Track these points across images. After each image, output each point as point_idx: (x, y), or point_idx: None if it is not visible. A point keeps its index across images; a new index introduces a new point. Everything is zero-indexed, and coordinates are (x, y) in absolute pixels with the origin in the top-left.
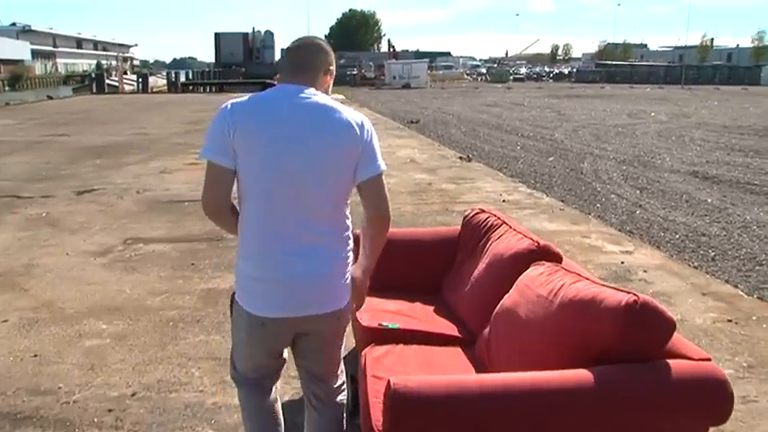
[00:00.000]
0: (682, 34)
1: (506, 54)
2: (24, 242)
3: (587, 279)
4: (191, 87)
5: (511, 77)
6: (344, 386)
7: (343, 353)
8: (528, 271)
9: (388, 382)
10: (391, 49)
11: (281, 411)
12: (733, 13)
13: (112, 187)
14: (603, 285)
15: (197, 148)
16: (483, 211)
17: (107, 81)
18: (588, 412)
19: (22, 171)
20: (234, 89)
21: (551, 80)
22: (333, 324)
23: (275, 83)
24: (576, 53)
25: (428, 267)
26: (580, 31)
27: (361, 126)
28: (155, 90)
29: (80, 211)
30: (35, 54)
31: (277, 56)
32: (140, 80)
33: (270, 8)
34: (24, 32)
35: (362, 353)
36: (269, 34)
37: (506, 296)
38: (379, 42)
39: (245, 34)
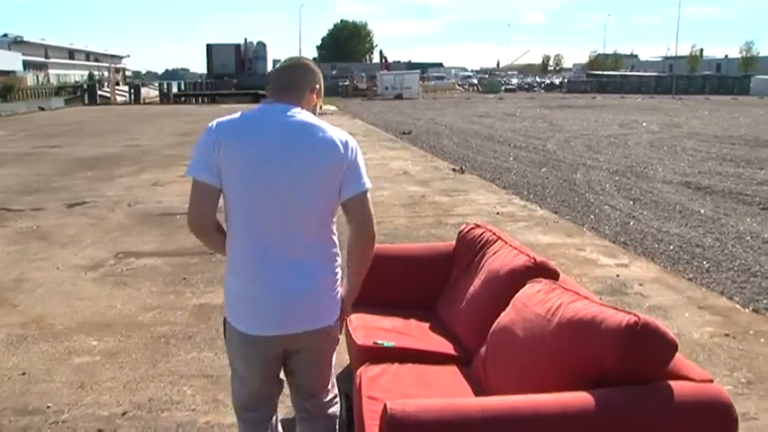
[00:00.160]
0: (671, 45)
1: (498, 65)
2: (14, 256)
3: (586, 298)
4: (183, 98)
5: (502, 88)
6: (336, 399)
7: (338, 370)
8: (525, 288)
9: (385, 405)
10: (383, 60)
11: None
12: (721, 24)
13: (104, 200)
14: (603, 305)
15: (190, 160)
16: (478, 226)
17: (99, 92)
18: None
19: (12, 183)
20: (226, 100)
21: (543, 90)
22: (322, 340)
23: (267, 94)
24: (567, 63)
25: (423, 283)
26: (571, 42)
27: (346, 144)
28: (147, 101)
29: (71, 225)
30: (27, 65)
31: (269, 67)
32: (132, 91)
33: (262, 20)
34: (16, 43)
35: (357, 372)
36: (261, 45)
37: (503, 314)
38: (371, 53)
39: (238, 45)
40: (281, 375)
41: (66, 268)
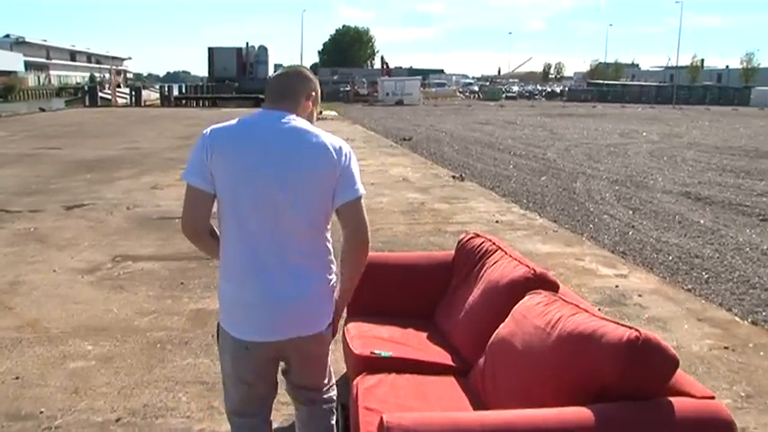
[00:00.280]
0: (672, 54)
1: (499, 72)
2: (10, 258)
3: (586, 311)
4: (184, 101)
5: (503, 95)
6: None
7: (335, 378)
8: (524, 300)
9: (381, 418)
10: (384, 66)
11: None
12: (723, 35)
13: (103, 202)
14: (603, 319)
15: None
16: (478, 235)
17: (100, 94)
18: None
19: (11, 184)
20: (227, 104)
21: (543, 99)
22: (316, 345)
23: (264, 102)
24: (567, 72)
25: (421, 292)
26: (572, 51)
27: (339, 150)
28: (148, 103)
29: (69, 227)
30: (28, 66)
31: (270, 71)
32: (133, 93)
33: (264, 24)
34: (18, 44)
35: (354, 382)
36: (263, 49)
37: (502, 325)
38: (373, 59)
39: (239, 49)
40: (277, 378)
41: (62, 271)
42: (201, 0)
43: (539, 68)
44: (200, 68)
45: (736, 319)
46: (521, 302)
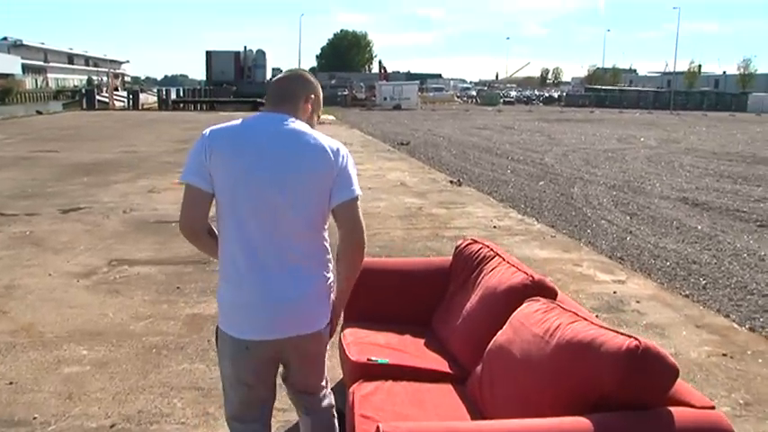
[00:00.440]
0: (670, 60)
1: (497, 77)
2: (6, 261)
3: (585, 319)
4: (181, 105)
5: (501, 100)
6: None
7: (331, 384)
8: (522, 307)
9: (378, 428)
10: (382, 71)
11: None
12: (720, 41)
13: (99, 206)
14: (602, 327)
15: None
16: (475, 241)
17: (97, 97)
18: None
19: (7, 187)
20: (225, 107)
21: (541, 104)
22: (315, 344)
23: (264, 105)
24: (565, 77)
25: (418, 298)
26: (570, 56)
27: (336, 152)
28: (145, 107)
29: (65, 231)
30: (26, 68)
31: (268, 75)
32: (131, 97)
33: (262, 29)
34: (15, 47)
35: (350, 389)
36: (261, 53)
37: (500, 333)
38: (371, 63)
39: (237, 53)
40: (275, 382)
41: (58, 275)
42: (200, 4)
43: (536, 73)
44: (198, 72)
45: (734, 325)
46: (519, 309)
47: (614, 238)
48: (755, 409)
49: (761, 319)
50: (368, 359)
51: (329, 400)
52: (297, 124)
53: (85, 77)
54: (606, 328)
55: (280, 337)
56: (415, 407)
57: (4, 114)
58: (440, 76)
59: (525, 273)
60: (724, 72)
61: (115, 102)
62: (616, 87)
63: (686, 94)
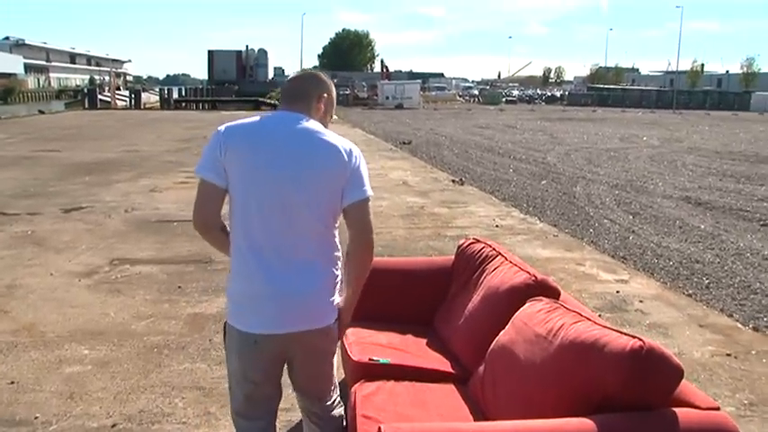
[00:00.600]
0: (672, 59)
1: (499, 76)
2: (8, 261)
3: (588, 319)
4: (183, 104)
5: (503, 100)
6: (339, 401)
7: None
8: (525, 307)
9: (379, 429)
10: (384, 70)
11: None
12: (723, 40)
13: (101, 205)
14: (606, 327)
15: (188, 166)
16: (478, 240)
17: (99, 96)
18: None
19: (9, 187)
20: (227, 107)
21: (543, 103)
22: (322, 340)
23: (268, 101)
24: (568, 76)
25: (420, 298)
26: (572, 55)
27: (350, 152)
28: (147, 106)
29: (67, 230)
30: (28, 68)
31: (270, 74)
32: (133, 96)
33: (264, 28)
34: (18, 46)
35: (352, 389)
36: (262, 52)
37: (502, 333)
38: (373, 62)
39: (239, 52)
40: (282, 383)
41: (59, 274)
42: (202, 3)
43: (539, 72)
44: (200, 71)
45: (738, 325)
46: (521, 309)
47: (617, 237)
48: (760, 410)
49: (765, 319)
50: (369, 359)
51: (339, 410)
52: (311, 123)
53: (87, 77)
54: (610, 329)
55: (289, 330)
56: (416, 407)
57: (6, 114)
58: (442, 75)
59: (528, 272)
60: (727, 71)
61: (117, 101)
62: (618, 86)
63: (689, 93)
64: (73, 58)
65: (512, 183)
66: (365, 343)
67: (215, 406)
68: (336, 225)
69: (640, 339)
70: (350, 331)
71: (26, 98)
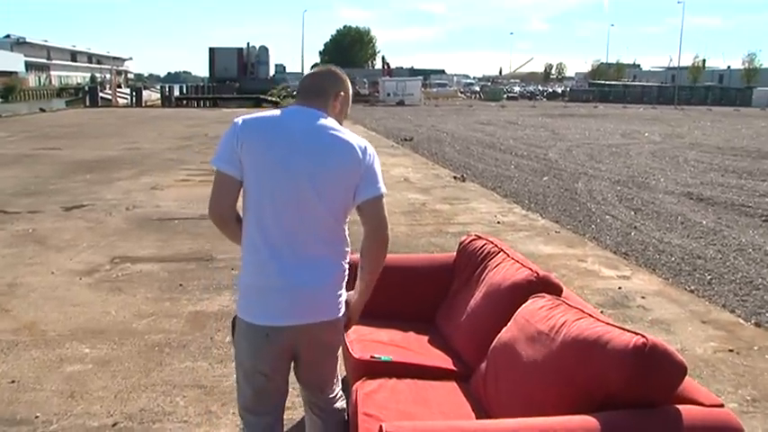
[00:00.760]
0: (674, 55)
1: (500, 72)
2: (9, 260)
3: (590, 315)
4: (184, 102)
5: (504, 96)
6: (341, 394)
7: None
8: (527, 303)
9: (381, 427)
10: (385, 66)
11: None
12: (724, 36)
13: (102, 203)
14: (608, 324)
15: (190, 164)
16: (479, 237)
17: (101, 94)
18: None
19: (9, 185)
20: (228, 104)
21: (545, 99)
22: (331, 332)
23: (269, 98)
24: (569, 72)
25: (422, 295)
26: (573, 51)
27: (364, 150)
28: (148, 104)
29: (68, 228)
30: (29, 66)
31: (271, 71)
32: (134, 94)
33: (265, 25)
34: (19, 44)
35: (353, 387)
36: (264, 50)
37: (504, 330)
38: (374, 59)
39: (240, 49)
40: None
41: (60, 273)
42: (203, 1)
43: (540, 69)
44: (201, 69)
45: (740, 320)
46: (523, 306)
47: (619, 233)
48: (763, 406)
49: (767, 315)
50: (371, 356)
51: (341, 403)
52: (328, 121)
53: (89, 75)
54: (612, 325)
55: (299, 322)
56: (418, 405)
57: (7, 112)
58: (443, 71)
59: (530, 269)
60: (728, 67)
61: (118, 99)
62: (620, 82)
63: (690, 88)
64: (74, 56)
65: (513, 179)
66: (366, 340)
67: (216, 404)
68: (347, 220)
69: (643, 336)
70: (351, 329)
71: (27, 96)
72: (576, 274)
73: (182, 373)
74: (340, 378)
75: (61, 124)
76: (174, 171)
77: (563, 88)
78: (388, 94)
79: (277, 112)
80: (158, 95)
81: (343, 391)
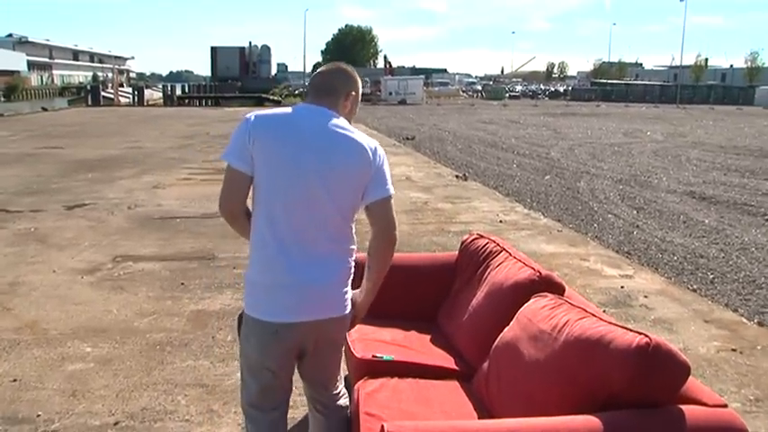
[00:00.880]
0: (676, 54)
1: (502, 71)
2: (11, 258)
3: (593, 315)
4: (186, 101)
5: (507, 95)
6: (345, 392)
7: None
8: (529, 303)
9: (382, 427)
10: (387, 65)
11: None
12: (727, 34)
13: (104, 202)
14: (611, 323)
15: (191, 162)
16: (481, 236)
17: (103, 93)
18: None
19: (12, 184)
20: (230, 103)
21: (547, 98)
22: (338, 329)
23: (271, 97)
24: (571, 71)
25: (424, 294)
26: (575, 50)
27: (374, 151)
28: (150, 103)
29: (69, 227)
30: (31, 65)
31: (273, 70)
32: (136, 93)
33: (267, 23)
34: (21, 44)
35: (355, 386)
36: (265, 48)
37: (506, 329)
38: (376, 58)
39: (242, 48)
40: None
41: (62, 272)
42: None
43: (542, 68)
44: (203, 68)
45: (743, 320)
46: (526, 305)
47: (621, 232)
48: (765, 405)
49: None
50: (373, 356)
51: (344, 400)
52: (338, 120)
53: (90, 74)
54: (615, 325)
55: (308, 319)
56: (420, 404)
57: (9, 111)
58: (445, 70)
59: (532, 268)
60: (731, 65)
61: (120, 98)
62: (622, 81)
63: (693, 87)
64: (76, 55)
65: (515, 178)
66: (368, 340)
67: (218, 403)
68: (354, 219)
69: (646, 336)
70: (353, 328)
71: (29, 95)
72: (579, 274)
73: (183, 372)
74: (343, 375)
75: (63, 123)
76: (176, 170)
77: (565, 87)
78: (390, 93)
79: (288, 109)
80: (160, 94)
81: (346, 389)
